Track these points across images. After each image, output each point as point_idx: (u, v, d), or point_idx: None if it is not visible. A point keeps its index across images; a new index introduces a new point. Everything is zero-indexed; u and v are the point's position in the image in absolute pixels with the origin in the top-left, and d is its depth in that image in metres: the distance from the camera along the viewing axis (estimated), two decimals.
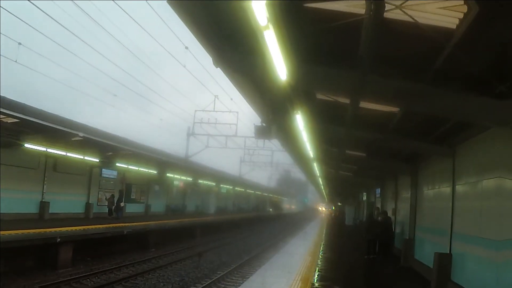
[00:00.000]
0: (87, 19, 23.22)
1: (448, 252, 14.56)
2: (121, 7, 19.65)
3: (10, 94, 21.07)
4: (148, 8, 20.36)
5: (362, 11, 7.35)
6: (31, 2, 17.56)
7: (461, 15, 7.15)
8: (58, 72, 34.55)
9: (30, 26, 20.79)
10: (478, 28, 7.14)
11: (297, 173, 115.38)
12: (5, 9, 18.29)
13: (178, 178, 52.93)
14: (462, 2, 6.79)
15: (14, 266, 18.97)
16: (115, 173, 39.82)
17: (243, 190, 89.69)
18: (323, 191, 69.36)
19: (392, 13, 7.21)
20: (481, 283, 11.93)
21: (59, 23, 20.69)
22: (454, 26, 7.50)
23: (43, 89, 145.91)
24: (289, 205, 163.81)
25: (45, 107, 24.32)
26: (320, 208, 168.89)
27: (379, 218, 24.22)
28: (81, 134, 25.21)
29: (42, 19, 21.21)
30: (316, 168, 30.96)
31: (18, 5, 22.83)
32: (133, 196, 44.69)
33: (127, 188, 42.74)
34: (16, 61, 24.26)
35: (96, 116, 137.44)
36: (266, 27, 6.12)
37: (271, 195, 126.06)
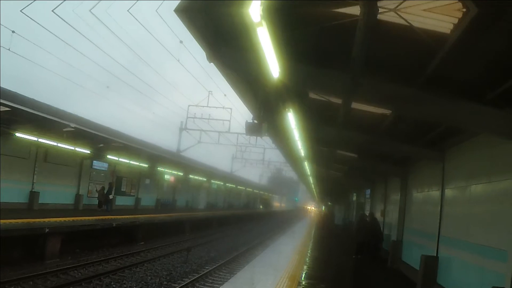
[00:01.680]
0: (82, 10, 23.14)
1: (435, 255, 14.64)
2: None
3: (2, 83, 21.00)
4: (142, 1, 20.34)
5: (356, 12, 7.36)
6: None
7: (456, 20, 7.18)
8: (53, 63, 34.54)
9: (25, 14, 20.70)
10: (472, 34, 7.16)
11: (289, 172, 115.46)
12: None
13: (169, 173, 52.82)
14: (458, 6, 6.81)
15: (1, 256, 18.91)
16: (106, 165, 39.68)
17: (234, 186, 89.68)
18: (314, 190, 69.42)
19: (386, 15, 7.24)
20: (466, 286, 12.02)
21: (57, 14, 20.63)
22: (448, 31, 7.53)
23: (38, 78, 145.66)
24: (280, 203, 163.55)
25: (39, 97, 24.29)
26: (309, 208, 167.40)
27: (367, 219, 24.34)
28: (72, 125, 25.11)
29: (38, 9, 21.10)
30: (307, 167, 30.98)
31: None
32: (123, 189, 44.50)
33: (117, 181, 42.63)
34: (9, 49, 24.21)
35: (89, 108, 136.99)
36: (260, 24, 6.12)
37: (261, 193, 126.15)
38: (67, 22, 22.36)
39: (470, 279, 11.71)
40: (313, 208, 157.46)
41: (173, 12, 8.56)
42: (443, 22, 7.43)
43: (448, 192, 14.54)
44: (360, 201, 40.80)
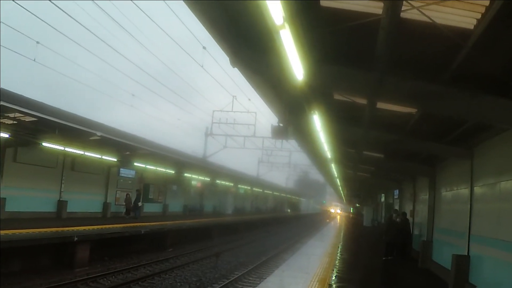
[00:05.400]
0: (105, 17, 23.24)
1: (466, 254, 14.45)
2: (139, 7, 19.67)
3: (30, 93, 21.19)
4: (166, 8, 20.42)
5: (379, 11, 7.30)
6: (52, 2, 17.59)
7: (479, 15, 7.08)
8: (78, 72, 34.86)
9: (48, 25, 20.83)
10: (496, 28, 7.06)
11: (315, 174, 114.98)
12: (24, 8, 18.30)
13: (195, 178, 53.01)
14: (481, 1, 6.71)
15: (31, 264, 19.12)
16: (133, 172, 39.95)
17: (261, 190, 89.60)
18: (341, 192, 69.09)
19: (409, 13, 7.16)
20: (499, 285, 11.84)
21: (79, 23, 20.75)
22: (472, 27, 7.43)
23: (67, 88, 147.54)
24: (307, 206, 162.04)
25: (66, 106, 24.53)
26: (333, 210, 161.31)
27: (397, 219, 24.11)
28: (99, 133, 25.32)
29: (62, 19, 21.26)
30: (334, 169, 30.78)
31: (37, 4, 22.94)
32: (151, 196, 44.79)
33: (145, 187, 42.92)
34: (34, 60, 24.44)
35: (115, 116, 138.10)
36: (282, 27, 6.07)
37: (288, 196, 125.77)
38: (90, 31, 22.54)
39: (504, 277, 11.52)
40: (338, 211, 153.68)
41: (196, 19, 8.57)
42: (465, 18, 7.33)
43: (478, 189, 14.35)
44: (388, 202, 40.49)
